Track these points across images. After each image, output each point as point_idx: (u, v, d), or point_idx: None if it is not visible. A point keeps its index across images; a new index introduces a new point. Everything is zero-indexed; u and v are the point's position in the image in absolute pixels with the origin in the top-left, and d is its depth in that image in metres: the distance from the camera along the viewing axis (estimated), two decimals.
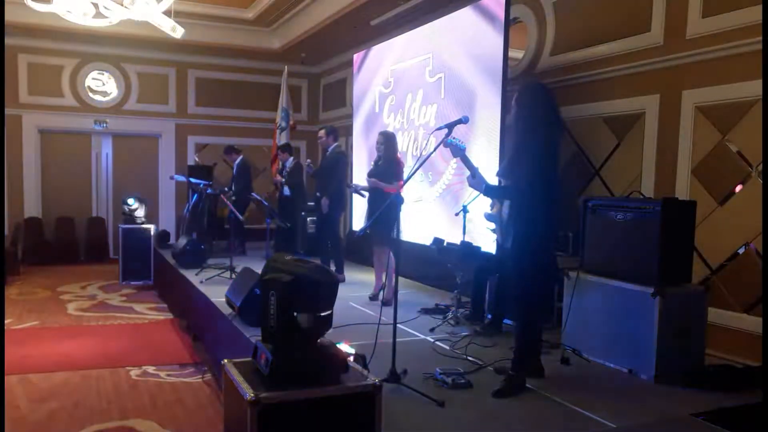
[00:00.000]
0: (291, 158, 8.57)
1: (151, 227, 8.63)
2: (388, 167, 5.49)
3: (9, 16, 7.71)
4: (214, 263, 7.15)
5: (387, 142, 5.59)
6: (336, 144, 6.82)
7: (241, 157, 8.89)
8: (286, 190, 8.33)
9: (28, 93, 9.78)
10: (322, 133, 6.81)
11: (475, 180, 3.49)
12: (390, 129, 7.28)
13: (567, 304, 4.07)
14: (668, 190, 4.48)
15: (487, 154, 5.51)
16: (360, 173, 7.14)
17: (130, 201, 8.64)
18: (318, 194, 6.74)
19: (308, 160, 6.83)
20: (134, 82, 10.37)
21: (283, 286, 2.43)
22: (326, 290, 2.53)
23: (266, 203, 7.49)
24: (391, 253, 5.40)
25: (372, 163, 5.98)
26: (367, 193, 5.64)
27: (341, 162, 6.68)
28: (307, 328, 2.46)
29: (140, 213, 8.66)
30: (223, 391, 2.73)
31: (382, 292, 5.33)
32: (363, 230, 4.81)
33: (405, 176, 5.01)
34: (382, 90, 7.60)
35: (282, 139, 9.81)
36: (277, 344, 2.45)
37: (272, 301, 2.47)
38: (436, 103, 6.40)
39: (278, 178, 8.58)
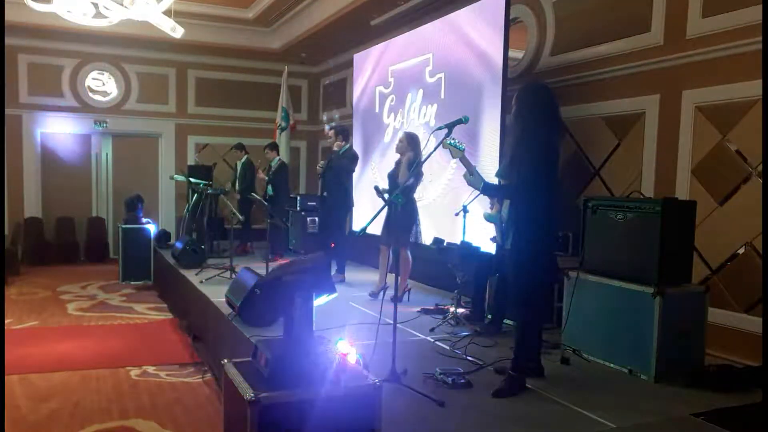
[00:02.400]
0: (277, 157, 8.57)
1: (152, 227, 8.62)
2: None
3: (9, 16, 7.69)
4: (214, 263, 7.15)
5: (412, 142, 5.54)
6: (348, 145, 6.62)
7: (246, 156, 8.92)
8: (270, 189, 8.33)
9: (28, 93, 9.78)
10: (331, 133, 6.63)
11: (474, 178, 3.49)
12: (390, 129, 7.30)
13: (567, 304, 4.07)
14: (668, 190, 4.48)
15: (487, 155, 5.51)
16: (359, 173, 7.12)
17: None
18: (325, 194, 6.68)
19: (322, 162, 6.77)
20: (134, 82, 10.36)
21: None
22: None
23: (266, 203, 7.49)
24: (406, 252, 5.42)
25: (395, 163, 5.85)
26: (387, 195, 5.54)
27: (354, 162, 6.57)
28: (307, 328, 2.46)
29: None
30: (223, 391, 2.73)
31: (383, 292, 5.31)
32: (363, 230, 4.81)
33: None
34: (382, 90, 7.59)
35: (282, 139, 9.81)
36: (277, 344, 2.46)
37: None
38: (436, 103, 6.40)
39: (260, 175, 8.61)
